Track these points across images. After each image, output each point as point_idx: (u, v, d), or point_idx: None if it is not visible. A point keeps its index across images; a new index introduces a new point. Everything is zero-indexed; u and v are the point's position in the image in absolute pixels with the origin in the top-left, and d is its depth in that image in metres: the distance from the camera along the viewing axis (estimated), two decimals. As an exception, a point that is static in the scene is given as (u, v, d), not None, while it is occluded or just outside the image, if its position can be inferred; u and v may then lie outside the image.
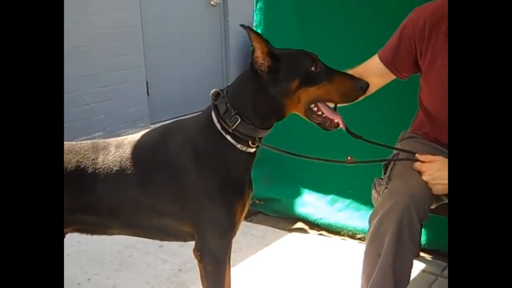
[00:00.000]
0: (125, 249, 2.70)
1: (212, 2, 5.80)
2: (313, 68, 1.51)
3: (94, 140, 1.69)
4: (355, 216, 2.79)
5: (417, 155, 1.79)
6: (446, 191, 1.74)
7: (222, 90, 1.57)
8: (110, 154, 1.61)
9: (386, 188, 1.81)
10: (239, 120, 1.51)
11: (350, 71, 1.90)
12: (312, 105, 1.55)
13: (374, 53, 1.98)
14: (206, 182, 1.55)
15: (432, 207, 1.80)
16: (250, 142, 1.55)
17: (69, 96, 4.61)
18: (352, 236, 2.75)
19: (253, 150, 1.58)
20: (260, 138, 1.57)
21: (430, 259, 2.49)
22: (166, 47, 5.45)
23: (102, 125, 4.92)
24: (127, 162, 1.59)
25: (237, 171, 1.58)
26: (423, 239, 2.52)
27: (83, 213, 1.61)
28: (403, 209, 1.65)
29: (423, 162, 1.75)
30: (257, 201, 3.02)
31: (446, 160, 1.72)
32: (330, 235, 2.81)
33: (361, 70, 1.93)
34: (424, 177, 1.72)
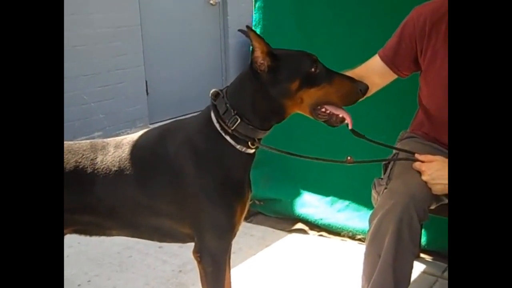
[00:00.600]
0: (124, 250, 2.69)
1: (211, 2, 5.79)
2: (313, 69, 1.51)
3: (93, 140, 1.68)
4: (355, 217, 2.79)
5: (416, 155, 1.78)
6: (446, 191, 1.73)
7: (221, 90, 1.57)
8: (109, 154, 1.60)
9: (386, 188, 1.80)
10: (239, 121, 1.51)
11: (350, 71, 1.90)
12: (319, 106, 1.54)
13: (374, 52, 1.98)
14: (205, 182, 1.54)
15: (432, 207, 1.79)
16: (249, 143, 1.54)
17: (68, 95, 4.61)
18: (352, 236, 2.75)
19: (252, 151, 1.57)
20: (259, 139, 1.56)
21: (430, 260, 2.49)
22: (165, 46, 5.44)
23: (101, 125, 4.91)
24: (126, 162, 1.58)
25: (237, 172, 1.57)
26: (423, 240, 2.51)
27: (82, 214, 1.60)
28: (403, 209, 1.64)
29: (422, 162, 1.75)
30: (257, 202, 3.02)
31: (446, 160, 1.72)
32: (330, 236, 2.80)
33: (361, 70, 1.93)
34: (424, 177, 1.72)
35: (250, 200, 1.69)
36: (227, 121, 1.51)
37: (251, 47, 1.51)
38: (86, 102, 4.77)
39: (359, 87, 1.55)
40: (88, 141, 1.67)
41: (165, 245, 2.49)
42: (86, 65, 4.71)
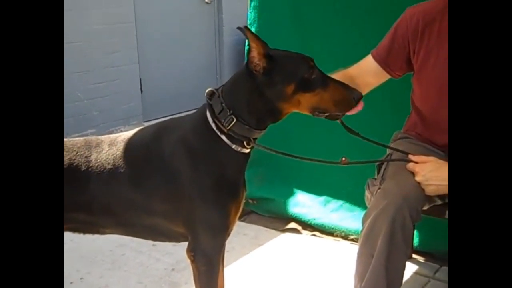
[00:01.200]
0: (117, 248, 2.69)
1: (206, 0, 5.78)
2: (309, 74, 1.50)
3: (87, 137, 1.68)
4: (348, 217, 2.79)
5: (410, 156, 1.79)
6: (439, 192, 1.75)
7: (216, 89, 1.56)
8: (103, 151, 1.60)
9: (379, 188, 1.81)
10: (235, 121, 1.50)
11: (344, 71, 1.91)
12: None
13: (369, 52, 1.98)
14: (200, 182, 1.54)
15: (425, 208, 1.80)
16: (245, 143, 1.54)
17: (62, 92, 4.59)
18: (345, 237, 2.75)
19: (248, 150, 1.57)
20: (255, 139, 1.56)
21: (422, 261, 2.50)
22: (159, 44, 5.43)
23: (95, 122, 4.90)
24: (120, 160, 1.58)
25: (232, 171, 1.57)
26: (416, 241, 2.52)
27: (76, 212, 1.59)
28: (396, 209, 1.65)
29: (416, 162, 1.76)
30: (250, 201, 3.02)
31: (439, 161, 1.73)
32: (323, 235, 2.81)
33: (355, 70, 1.94)
34: (417, 178, 1.73)
35: (244, 199, 1.70)
36: (223, 120, 1.51)
37: (247, 46, 1.51)
38: (80, 99, 4.75)
39: (353, 95, 1.54)
40: (82, 138, 1.66)
41: (158, 243, 2.48)
42: (80, 62, 4.69)
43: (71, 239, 2.52)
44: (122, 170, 1.57)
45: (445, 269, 2.40)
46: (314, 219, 2.85)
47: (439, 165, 1.71)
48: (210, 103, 1.54)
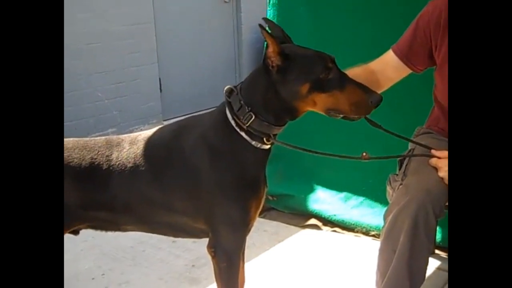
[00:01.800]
0: (138, 244, 2.71)
1: (224, -2, 5.80)
2: (324, 74, 1.46)
3: (108, 137, 1.69)
4: (369, 213, 2.77)
5: (433, 151, 1.76)
6: (462, 188, 1.72)
7: (235, 87, 1.56)
8: (124, 150, 1.61)
9: (401, 184, 1.79)
10: (253, 117, 1.50)
11: (365, 66, 1.89)
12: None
13: (388, 47, 1.96)
14: (221, 178, 1.54)
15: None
16: (264, 139, 1.54)
17: (82, 92, 4.64)
18: (366, 233, 2.73)
19: (268, 146, 1.56)
20: (275, 135, 1.56)
21: (445, 256, 2.46)
22: (179, 43, 5.46)
23: (115, 121, 4.95)
24: (141, 158, 1.59)
25: (252, 168, 1.56)
26: (438, 236, 2.49)
27: (97, 210, 1.61)
28: (418, 205, 1.63)
29: (439, 158, 1.73)
30: (270, 197, 3.01)
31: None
32: (344, 231, 2.79)
33: (376, 65, 1.91)
34: (440, 173, 1.70)
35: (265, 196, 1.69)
36: (241, 117, 1.51)
37: (265, 43, 1.50)
38: (100, 99, 4.80)
39: (371, 99, 1.48)
40: (103, 137, 1.68)
41: (178, 239, 2.49)
42: (100, 62, 4.74)
43: (92, 236, 2.56)
44: (142, 168, 1.57)
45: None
46: (335, 215, 2.83)
47: (462, 160, 1.69)
48: (229, 100, 1.54)
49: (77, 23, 4.51)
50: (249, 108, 1.50)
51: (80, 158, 1.57)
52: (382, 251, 1.76)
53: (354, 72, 1.66)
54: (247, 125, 1.51)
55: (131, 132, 4.08)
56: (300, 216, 2.96)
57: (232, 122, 1.53)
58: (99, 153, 1.60)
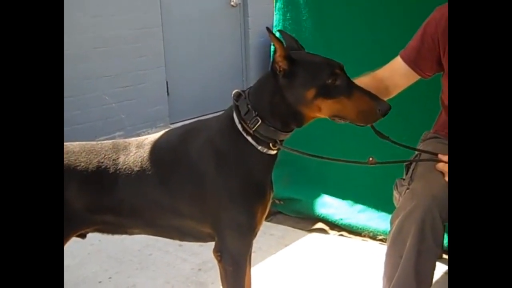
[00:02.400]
0: (145, 248, 2.71)
1: (232, 3, 5.81)
2: (331, 80, 1.45)
3: (114, 140, 1.69)
4: (376, 217, 2.76)
5: (440, 156, 1.76)
6: (469, 192, 1.71)
7: (243, 91, 1.56)
8: (131, 154, 1.61)
9: (408, 189, 1.79)
10: (260, 122, 1.50)
11: (373, 74, 1.88)
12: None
13: (395, 53, 1.95)
14: (227, 182, 1.54)
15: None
16: (271, 144, 1.53)
17: (90, 96, 4.67)
18: (373, 237, 2.73)
19: (274, 152, 1.56)
20: (281, 140, 1.55)
21: (452, 261, 2.45)
22: (186, 47, 5.48)
23: (122, 125, 4.96)
24: (147, 162, 1.59)
25: (258, 173, 1.56)
26: (446, 241, 2.48)
27: (104, 213, 1.61)
28: (425, 210, 1.63)
29: (446, 162, 1.72)
30: (277, 201, 3.01)
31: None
32: (351, 236, 2.79)
33: (384, 72, 1.91)
34: (447, 178, 1.69)
35: (271, 200, 1.69)
36: (248, 122, 1.51)
37: (272, 47, 1.51)
38: (108, 102, 4.82)
39: (379, 107, 1.45)
40: (110, 141, 1.68)
41: (185, 243, 2.50)
42: (108, 66, 4.77)
43: (99, 239, 2.57)
44: (149, 172, 1.58)
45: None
46: (342, 219, 2.83)
47: (469, 164, 1.68)
48: (237, 104, 1.55)
49: (85, 27, 4.54)
50: (256, 113, 1.50)
51: (87, 162, 1.58)
52: (388, 255, 1.75)
53: (363, 81, 1.65)
54: (253, 129, 1.51)
55: (138, 135, 4.09)
56: (307, 220, 2.96)
57: (239, 126, 1.53)
58: (106, 156, 1.60)
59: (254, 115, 1.50)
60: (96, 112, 4.73)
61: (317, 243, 2.75)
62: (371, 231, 2.74)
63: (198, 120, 1.70)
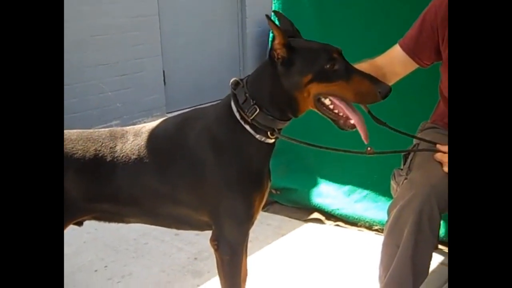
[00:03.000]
0: (141, 237, 2.71)
1: (229, -9, 5.78)
2: (329, 66, 1.44)
3: (112, 128, 1.68)
4: (373, 207, 2.77)
5: (438, 146, 1.75)
6: (467, 183, 1.71)
7: (242, 80, 1.55)
8: (128, 142, 1.61)
9: (405, 179, 1.79)
10: (258, 111, 1.49)
11: (371, 61, 1.87)
12: (323, 98, 1.47)
13: (393, 42, 1.94)
14: (224, 171, 1.53)
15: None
16: (268, 133, 1.53)
17: (86, 84, 4.65)
18: (369, 227, 2.73)
19: (272, 141, 1.56)
20: (279, 129, 1.55)
21: (448, 251, 2.46)
22: (183, 36, 5.45)
23: (119, 114, 4.95)
24: (145, 150, 1.58)
25: (256, 161, 1.56)
26: (442, 231, 2.48)
27: (101, 201, 1.61)
28: (423, 200, 1.63)
29: (444, 152, 1.72)
30: (273, 191, 3.01)
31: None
32: (347, 226, 2.79)
33: (382, 60, 1.90)
34: (445, 168, 1.69)
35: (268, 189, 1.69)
36: (246, 110, 1.50)
37: (271, 35, 1.50)
38: (104, 91, 4.80)
39: (379, 89, 1.45)
40: (107, 129, 1.67)
41: (181, 232, 2.50)
42: (104, 54, 4.74)
43: (95, 228, 2.57)
44: (147, 160, 1.57)
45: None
46: (338, 209, 2.83)
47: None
48: (235, 92, 1.54)
49: (82, 15, 4.51)
50: (254, 101, 1.49)
51: (84, 150, 1.57)
52: (385, 245, 1.75)
53: (361, 67, 1.64)
54: (251, 118, 1.50)
55: (134, 124, 4.08)
56: (303, 210, 2.96)
57: (237, 115, 1.52)
58: (103, 144, 1.59)
59: (252, 103, 1.49)
60: (93, 100, 4.71)
61: (313, 233, 2.75)
62: (367, 221, 2.74)
63: (195, 109, 1.69)
